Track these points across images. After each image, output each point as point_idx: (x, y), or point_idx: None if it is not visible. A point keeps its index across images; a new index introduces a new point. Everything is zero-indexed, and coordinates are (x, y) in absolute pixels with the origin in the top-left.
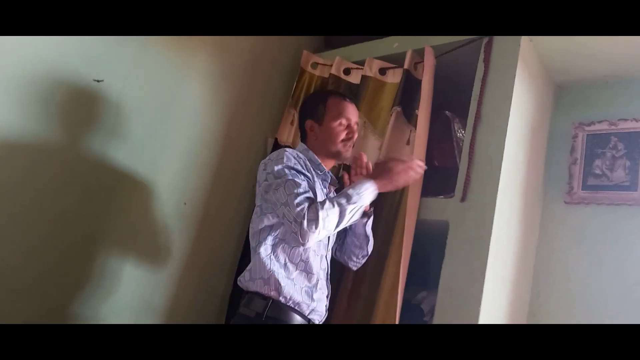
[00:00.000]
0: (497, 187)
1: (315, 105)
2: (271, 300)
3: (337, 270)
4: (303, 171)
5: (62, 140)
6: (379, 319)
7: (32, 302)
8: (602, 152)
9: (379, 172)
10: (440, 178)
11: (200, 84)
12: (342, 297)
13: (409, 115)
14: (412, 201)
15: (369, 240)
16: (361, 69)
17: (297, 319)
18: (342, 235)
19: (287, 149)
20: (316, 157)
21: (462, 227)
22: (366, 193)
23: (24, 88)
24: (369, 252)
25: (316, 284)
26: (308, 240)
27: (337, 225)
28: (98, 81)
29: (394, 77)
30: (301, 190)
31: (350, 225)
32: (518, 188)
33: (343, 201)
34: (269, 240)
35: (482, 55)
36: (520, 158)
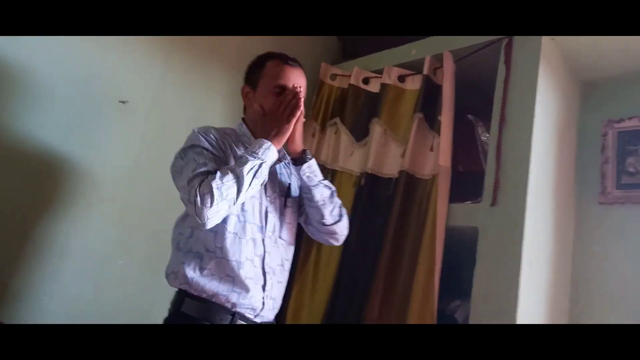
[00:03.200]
0: (526, 189)
1: (252, 69)
2: (184, 294)
3: (366, 282)
4: (210, 148)
5: (89, 161)
6: None
7: None
8: (635, 149)
9: (267, 129)
10: (467, 183)
11: (222, 105)
12: (373, 308)
13: (431, 121)
14: (441, 207)
15: (312, 193)
16: (380, 77)
17: (218, 314)
18: (303, 206)
19: (197, 128)
20: (248, 131)
21: (493, 232)
22: (262, 150)
23: (51, 107)
24: (323, 213)
25: (238, 274)
26: (207, 218)
27: (239, 191)
28: (123, 102)
29: (413, 84)
30: (198, 167)
31: (302, 191)
32: (549, 189)
33: (236, 165)
34: (184, 231)
35: (502, 57)
36: (549, 159)
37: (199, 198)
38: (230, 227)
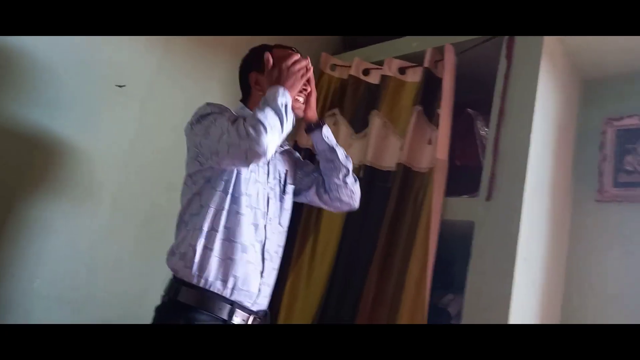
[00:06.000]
0: (524, 184)
1: (258, 57)
2: (182, 282)
3: (360, 274)
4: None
5: (84, 145)
6: (404, 323)
7: None
8: (634, 148)
9: (274, 79)
10: (464, 177)
11: (220, 92)
12: (366, 302)
13: (430, 114)
14: (436, 201)
15: (336, 152)
16: (380, 69)
17: (216, 303)
18: (316, 176)
19: (209, 102)
20: None
21: (489, 226)
22: (280, 91)
23: (46, 90)
24: (349, 168)
25: (240, 257)
26: (266, 145)
27: (282, 123)
28: (120, 86)
29: (414, 76)
30: (232, 117)
31: (317, 151)
32: (546, 186)
33: (265, 104)
34: (195, 208)
35: (504, 51)
36: (548, 155)
37: (251, 129)
38: (240, 208)
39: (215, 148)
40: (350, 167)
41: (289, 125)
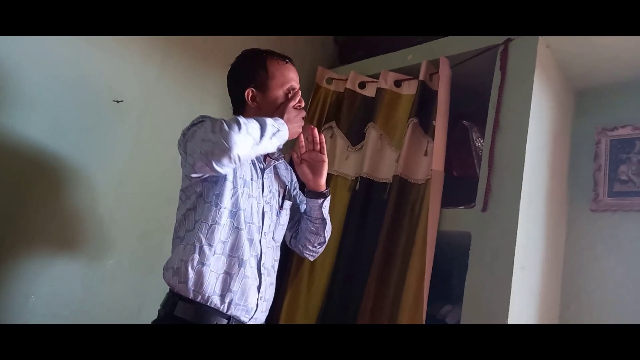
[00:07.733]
0: (520, 195)
1: (253, 70)
2: (179, 297)
3: (358, 286)
4: None
5: (81, 160)
6: None
7: None
8: (627, 157)
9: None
10: (460, 188)
11: (217, 106)
12: (364, 313)
13: (425, 126)
14: (433, 212)
15: (325, 225)
16: (376, 82)
17: (213, 317)
18: (296, 220)
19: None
20: None
21: (485, 237)
22: (278, 122)
23: (44, 106)
24: (326, 239)
25: (237, 272)
26: (234, 142)
27: (262, 136)
28: (118, 102)
29: (409, 89)
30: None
31: (305, 209)
32: (541, 196)
33: (257, 118)
34: (190, 224)
35: (498, 63)
36: (542, 165)
37: (225, 125)
38: (239, 223)
39: (193, 148)
40: (328, 238)
41: (267, 145)
